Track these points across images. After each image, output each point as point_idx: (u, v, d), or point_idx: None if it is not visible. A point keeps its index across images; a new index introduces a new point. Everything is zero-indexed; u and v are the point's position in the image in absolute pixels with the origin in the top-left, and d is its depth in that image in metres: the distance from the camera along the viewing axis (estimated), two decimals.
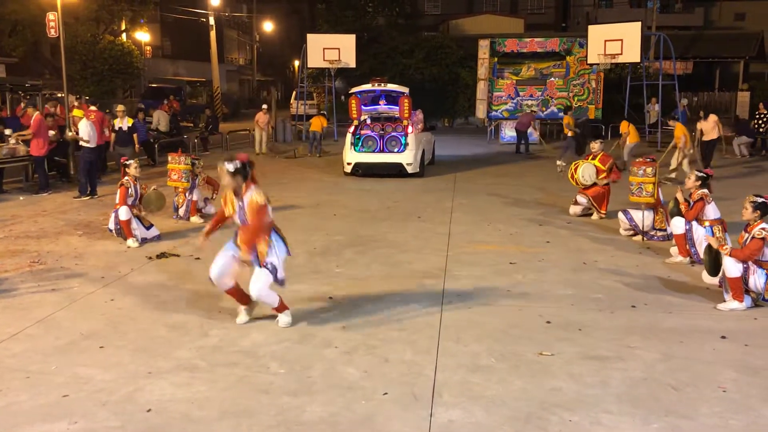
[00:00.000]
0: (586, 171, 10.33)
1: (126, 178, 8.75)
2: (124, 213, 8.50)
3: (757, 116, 19.59)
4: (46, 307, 6.10)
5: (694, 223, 7.61)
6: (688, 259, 7.66)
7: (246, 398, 4.35)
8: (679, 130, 14.58)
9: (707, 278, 6.64)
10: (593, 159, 10.46)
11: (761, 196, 6.28)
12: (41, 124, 12.54)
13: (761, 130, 19.36)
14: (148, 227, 8.81)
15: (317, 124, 19.99)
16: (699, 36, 38.28)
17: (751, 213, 6.22)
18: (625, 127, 16.42)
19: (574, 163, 10.75)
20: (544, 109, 24.09)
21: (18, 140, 13.21)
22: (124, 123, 14.25)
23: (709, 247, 6.46)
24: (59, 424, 3.99)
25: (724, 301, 6.17)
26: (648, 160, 8.68)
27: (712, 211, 7.59)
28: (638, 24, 20.45)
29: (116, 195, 8.70)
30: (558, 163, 15.79)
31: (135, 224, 8.63)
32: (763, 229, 6.04)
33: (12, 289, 6.68)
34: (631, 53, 20.25)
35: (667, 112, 22.38)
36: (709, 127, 15.97)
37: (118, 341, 5.33)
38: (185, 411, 4.17)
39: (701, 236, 7.49)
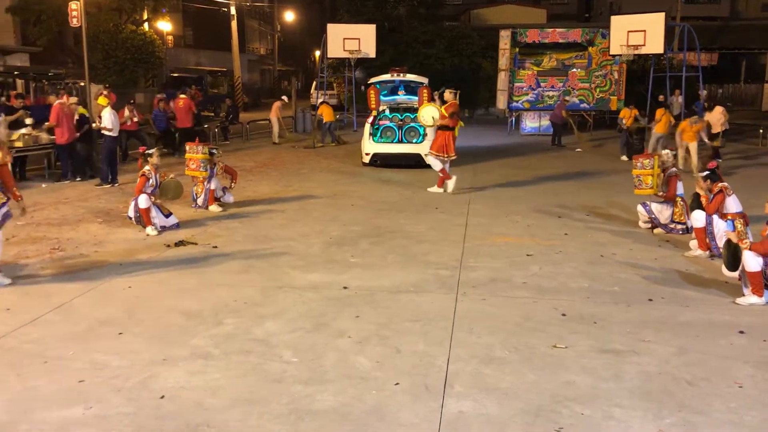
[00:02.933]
0: (427, 112, 11.75)
1: (147, 167, 8.82)
2: (143, 201, 8.57)
3: None
4: (64, 294, 6.18)
5: (714, 216, 7.51)
6: (707, 252, 7.57)
7: (258, 386, 4.38)
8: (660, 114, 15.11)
9: (727, 272, 6.56)
10: (443, 105, 11.72)
11: None
12: (59, 112, 12.67)
13: None
14: (167, 215, 8.88)
15: (329, 113, 19.99)
16: (725, 27, 37.75)
17: None
18: (660, 113, 16.24)
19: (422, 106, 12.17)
20: (567, 99, 23.86)
21: (38, 129, 13.33)
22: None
23: (728, 241, 6.38)
24: (74, 410, 4.05)
25: (743, 295, 6.09)
26: (669, 152, 8.63)
27: (733, 204, 7.47)
28: (662, 15, 20.15)
29: (136, 183, 8.78)
30: (623, 158, 16.44)
31: (154, 212, 8.70)
32: None
33: (32, 276, 6.78)
34: (654, 44, 19.97)
35: (690, 104, 22.09)
36: (715, 119, 15.73)
37: (135, 328, 5.39)
38: (198, 398, 4.21)
39: (722, 230, 7.39)
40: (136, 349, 4.97)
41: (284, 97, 22.45)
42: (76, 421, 3.91)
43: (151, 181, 8.77)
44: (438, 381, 4.45)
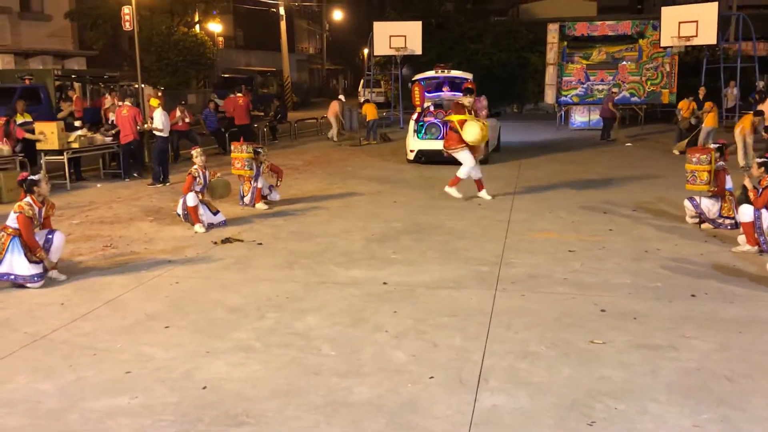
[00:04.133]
0: (472, 130, 10.49)
1: (195, 166, 9.06)
2: (191, 199, 8.81)
3: None
4: (115, 289, 6.43)
5: (763, 210, 7.34)
6: (756, 248, 7.40)
7: (297, 378, 4.49)
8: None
9: None
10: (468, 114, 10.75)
11: None
12: (118, 114, 13.12)
13: None
14: (215, 213, 9.11)
15: (372, 112, 20.22)
16: None
17: None
18: (708, 106, 15.92)
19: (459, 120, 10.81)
20: (615, 91, 23.46)
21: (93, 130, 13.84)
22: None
23: None
24: (121, 399, 4.23)
25: None
26: (712, 146, 8.45)
27: None
28: (714, 4, 19.63)
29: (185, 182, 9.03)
30: (675, 152, 16.13)
31: (202, 210, 8.94)
32: None
33: (85, 272, 7.05)
34: (707, 35, 19.50)
35: (746, 96, 21.50)
36: (767, 111, 15.26)
37: (180, 322, 5.57)
38: (238, 389, 4.34)
39: None
40: (181, 341, 5.15)
41: (341, 96, 22.72)
42: (122, 410, 4.09)
43: (198, 179, 9.00)
44: (473, 375, 4.49)
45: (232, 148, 10.48)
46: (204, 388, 4.36)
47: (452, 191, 10.70)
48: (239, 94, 18.67)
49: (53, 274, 6.74)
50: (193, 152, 9.26)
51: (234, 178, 10.56)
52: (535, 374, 4.51)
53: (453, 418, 3.94)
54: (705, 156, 8.27)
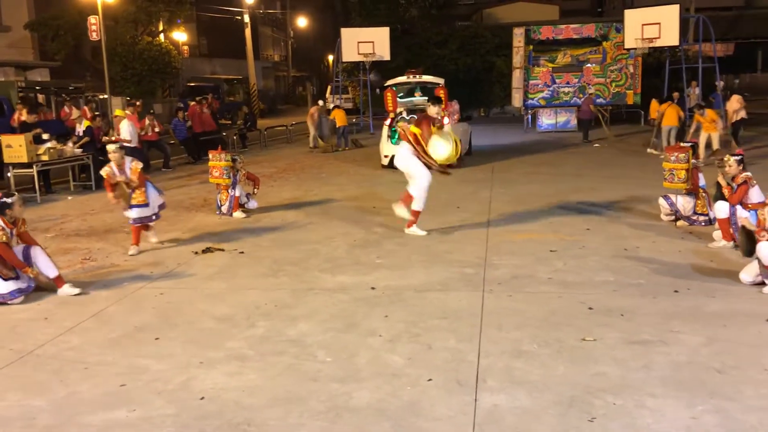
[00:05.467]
0: (441, 146, 8.57)
1: (110, 162, 8.34)
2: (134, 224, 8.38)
3: None
4: (99, 302, 6.33)
5: (738, 206, 7.52)
6: (731, 243, 7.57)
7: (295, 385, 4.48)
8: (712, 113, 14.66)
9: (745, 277, 6.39)
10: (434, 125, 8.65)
11: None
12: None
13: None
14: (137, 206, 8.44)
15: (342, 117, 20.26)
16: (740, 16, 37.47)
17: None
18: (664, 106, 16.34)
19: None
20: (581, 96, 23.83)
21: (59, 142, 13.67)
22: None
23: (743, 228, 6.42)
24: (119, 412, 4.17)
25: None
26: (685, 144, 8.64)
27: (756, 195, 7.48)
28: (676, 7, 20.06)
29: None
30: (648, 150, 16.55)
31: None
32: None
33: None
34: (669, 36, 19.91)
35: (707, 95, 21.98)
36: (731, 108, 15.80)
37: (170, 333, 5.51)
38: (237, 398, 4.31)
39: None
40: (173, 352, 5.10)
41: (320, 102, 22.61)
42: (121, 423, 4.03)
43: (113, 175, 8.27)
44: (470, 376, 4.53)
45: (210, 156, 10.39)
46: (202, 398, 4.33)
47: (402, 211, 8.74)
48: (192, 103, 18.72)
49: (65, 288, 6.55)
50: (109, 147, 8.60)
51: (209, 187, 10.46)
52: (531, 373, 4.56)
53: (456, 419, 3.97)
54: (683, 155, 8.44)
